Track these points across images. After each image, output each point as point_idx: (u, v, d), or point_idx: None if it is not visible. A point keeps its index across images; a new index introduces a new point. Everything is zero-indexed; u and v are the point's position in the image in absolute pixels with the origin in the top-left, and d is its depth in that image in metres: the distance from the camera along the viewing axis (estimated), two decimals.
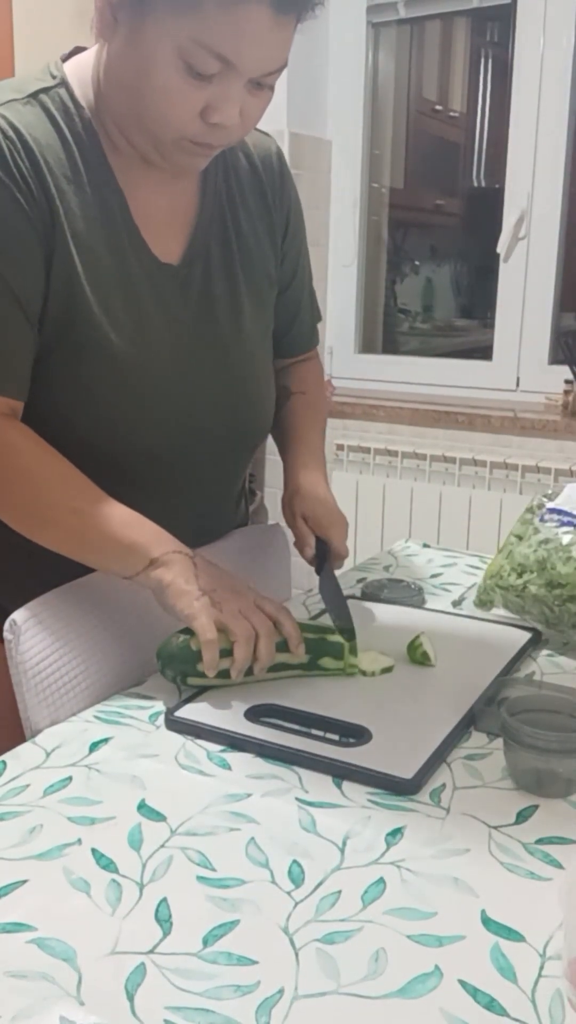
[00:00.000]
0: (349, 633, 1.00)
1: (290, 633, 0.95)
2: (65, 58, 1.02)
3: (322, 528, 1.15)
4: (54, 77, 0.99)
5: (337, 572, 1.15)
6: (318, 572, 1.12)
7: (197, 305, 1.07)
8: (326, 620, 1.05)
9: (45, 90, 0.98)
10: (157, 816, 0.75)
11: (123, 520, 0.96)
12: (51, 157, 0.95)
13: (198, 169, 1.04)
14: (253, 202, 1.14)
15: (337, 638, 0.99)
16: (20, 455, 0.97)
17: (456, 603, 1.23)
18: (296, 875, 0.68)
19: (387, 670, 1.00)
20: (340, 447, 2.83)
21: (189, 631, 0.94)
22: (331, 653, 0.98)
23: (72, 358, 0.99)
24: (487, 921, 0.63)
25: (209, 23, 0.86)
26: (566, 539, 1.09)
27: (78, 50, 1.02)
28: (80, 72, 1.00)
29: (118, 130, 0.98)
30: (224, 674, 0.93)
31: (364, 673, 0.99)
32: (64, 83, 0.99)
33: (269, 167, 1.16)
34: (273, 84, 0.94)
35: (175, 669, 0.95)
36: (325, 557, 1.14)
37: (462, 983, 0.58)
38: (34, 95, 0.97)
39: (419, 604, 1.22)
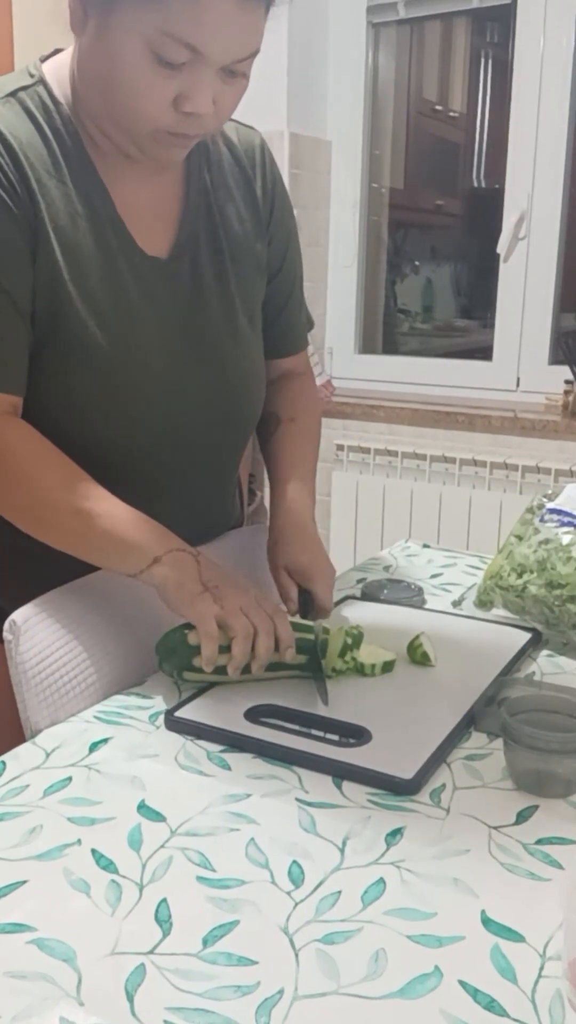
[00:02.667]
0: (322, 692, 0.94)
1: (282, 636, 0.95)
2: (45, 59, 1.02)
3: (306, 580, 1.10)
4: (32, 76, 0.99)
5: (337, 573, 1.15)
6: None
7: (186, 298, 1.06)
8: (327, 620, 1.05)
9: (23, 88, 0.98)
10: (157, 816, 0.75)
11: (125, 519, 0.96)
12: (32, 154, 0.96)
13: (176, 161, 1.04)
14: (239, 194, 1.13)
15: (303, 635, 0.98)
16: (21, 456, 0.97)
17: (456, 603, 1.23)
18: (296, 875, 0.68)
19: (388, 666, 0.99)
20: (340, 447, 2.83)
21: (189, 626, 0.94)
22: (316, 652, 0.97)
23: (59, 357, 0.99)
24: (487, 921, 0.63)
25: (174, 12, 0.85)
26: (566, 539, 1.09)
27: (58, 52, 1.03)
28: (58, 70, 1.00)
29: (95, 125, 0.98)
30: (222, 670, 0.93)
31: (363, 667, 0.98)
32: (42, 81, 0.99)
33: (253, 159, 1.15)
34: (247, 71, 0.94)
35: (173, 663, 0.96)
36: (309, 608, 1.08)
37: (462, 983, 0.58)
38: (12, 94, 0.97)
39: (419, 604, 1.22)
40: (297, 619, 1.02)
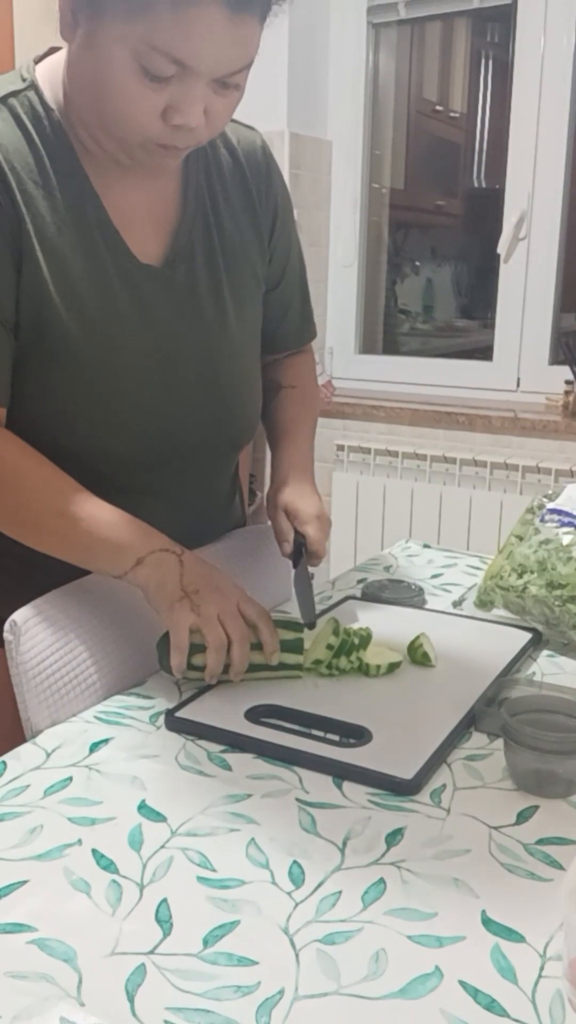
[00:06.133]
0: (308, 627, 0.99)
1: (266, 640, 0.95)
2: (39, 59, 1.01)
3: (301, 523, 1.12)
4: (24, 80, 0.98)
5: (337, 573, 1.15)
6: (295, 567, 1.11)
7: (182, 306, 1.06)
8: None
9: (14, 94, 0.97)
10: (157, 817, 0.75)
11: (109, 520, 0.96)
12: (18, 162, 0.94)
13: (169, 169, 1.03)
14: (237, 199, 1.12)
15: (298, 634, 0.98)
16: (4, 461, 0.97)
17: (456, 603, 1.23)
18: (296, 876, 0.68)
19: (393, 667, 0.99)
20: (340, 447, 2.83)
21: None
22: (292, 649, 0.98)
23: (44, 368, 0.98)
24: (487, 922, 0.63)
25: (161, 26, 0.83)
26: (566, 539, 1.09)
27: (54, 51, 1.01)
28: (51, 74, 0.98)
29: (86, 131, 0.97)
30: (223, 670, 0.93)
31: (368, 668, 0.99)
32: (34, 86, 0.97)
33: (254, 162, 1.14)
34: (240, 83, 0.92)
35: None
36: (302, 553, 1.11)
37: (462, 984, 0.58)
38: (2, 100, 0.96)
39: (419, 604, 1.22)
40: (290, 618, 1.02)
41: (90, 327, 0.98)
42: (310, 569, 1.12)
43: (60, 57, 0.99)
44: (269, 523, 1.20)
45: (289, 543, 1.12)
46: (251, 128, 1.16)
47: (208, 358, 1.08)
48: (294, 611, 1.12)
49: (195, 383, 1.07)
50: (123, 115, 0.90)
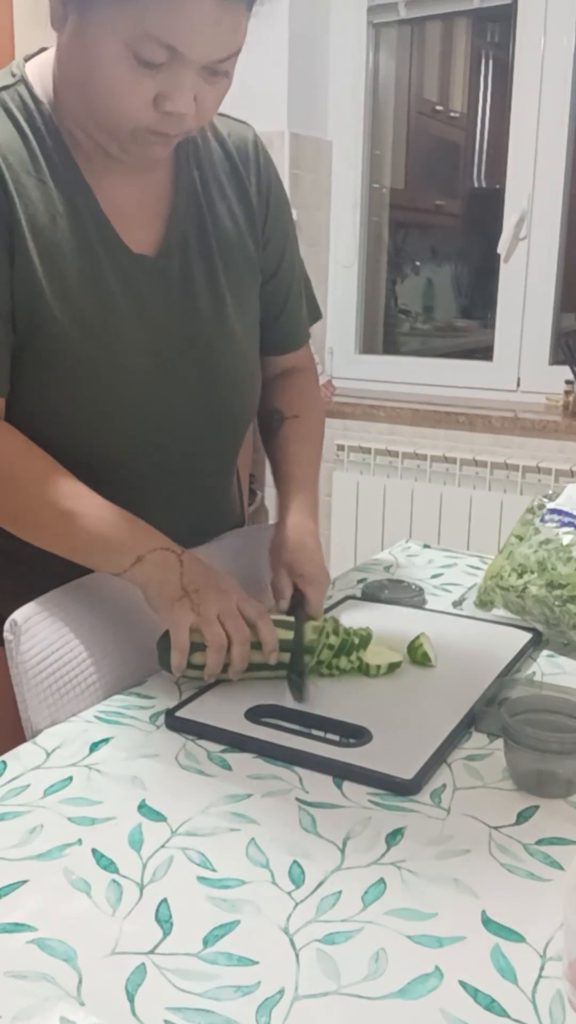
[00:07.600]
0: (297, 689, 0.94)
1: (265, 640, 0.95)
2: (29, 58, 1.01)
3: (304, 584, 1.09)
4: (14, 76, 0.99)
5: (337, 573, 1.14)
6: None
7: (176, 297, 1.05)
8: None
9: (4, 88, 0.97)
10: (157, 816, 0.75)
11: (108, 518, 0.96)
12: (10, 154, 0.95)
13: (159, 159, 1.03)
14: (230, 190, 1.12)
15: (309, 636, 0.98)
16: (3, 457, 0.97)
17: (457, 604, 1.23)
18: (296, 875, 0.68)
19: (393, 667, 1.00)
20: (340, 447, 2.83)
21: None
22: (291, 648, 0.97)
23: (38, 360, 0.98)
24: (487, 922, 0.63)
25: (152, 12, 0.85)
26: (566, 539, 1.09)
27: (44, 50, 1.02)
28: (41, 69, 0.99)
29: (76, 124, 0.97)
30: (223, 668, 0.94)
31: (368, 668, 0.99)
32: (23, 81, 0.98)
33: (245, 155, 1.14)
34: (229, 71, 0.93)
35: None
36: (296, 611, 1.07)
37: (462, 984, 0.58)
38: None
39: (420, 605, 1.22)
40: (288, 618, 1.02)
41: (83, 319, 0.98)
42: None
43: (50, 55, 1.00)
44: (269, 523, 1.20)
45: (286, 601, 1.09)
46: (243, 123, 1.16)
47: (205, 349, 1.08)
48: None
49: (191, 375, 1.07)
50: (114, 103, 0.91)
